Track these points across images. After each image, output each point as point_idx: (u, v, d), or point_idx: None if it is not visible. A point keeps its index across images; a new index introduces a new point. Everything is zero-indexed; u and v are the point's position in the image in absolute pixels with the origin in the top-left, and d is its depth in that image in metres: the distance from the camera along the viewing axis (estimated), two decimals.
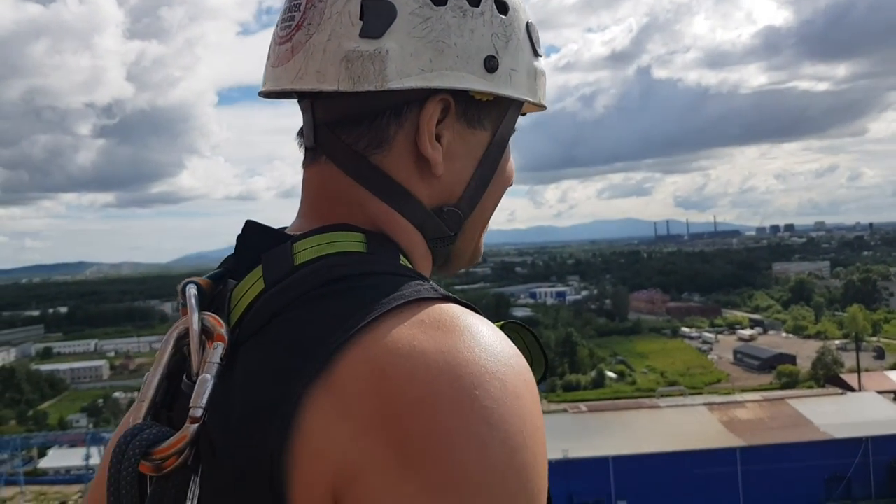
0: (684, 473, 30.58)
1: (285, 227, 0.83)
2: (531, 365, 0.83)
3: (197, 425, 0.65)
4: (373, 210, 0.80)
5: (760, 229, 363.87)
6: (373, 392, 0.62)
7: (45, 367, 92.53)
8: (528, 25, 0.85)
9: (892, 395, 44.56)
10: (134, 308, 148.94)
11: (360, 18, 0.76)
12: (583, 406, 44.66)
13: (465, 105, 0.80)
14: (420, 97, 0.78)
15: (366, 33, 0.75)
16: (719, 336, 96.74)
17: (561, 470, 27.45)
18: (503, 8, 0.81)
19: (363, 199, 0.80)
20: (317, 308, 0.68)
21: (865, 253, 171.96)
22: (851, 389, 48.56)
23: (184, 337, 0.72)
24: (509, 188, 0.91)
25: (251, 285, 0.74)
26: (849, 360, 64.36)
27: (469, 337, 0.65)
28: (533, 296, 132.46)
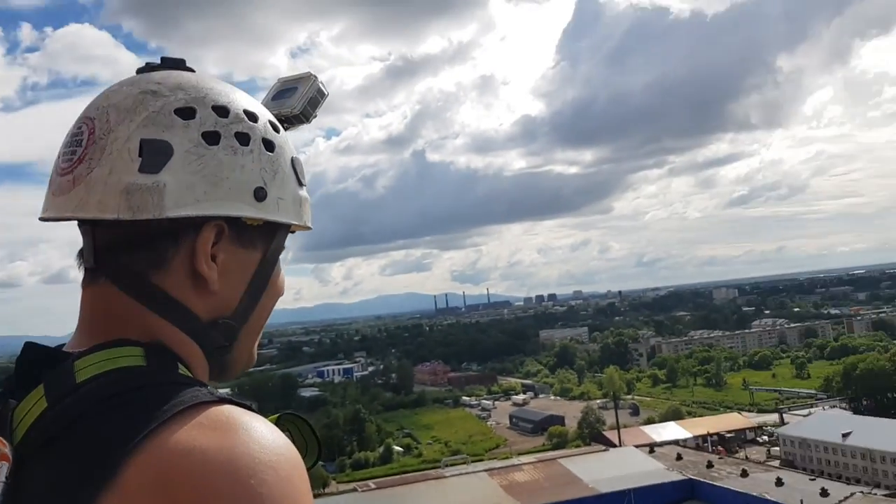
0: None
1: (63, 345, 0.88)
2: (306, 451, 0.94)
3: None
4: (152, 325, 0.85)
5: (528, 299, 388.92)
6: (160, 493, 0.67)
7: None
8: (292, 160, 0.95)
9: (647, 448, 49.52)
10: None
11: (139, 155, 0.82)
12: (371, 483, 44.62)
13: (238, 229, 0.88)
14: (196, 223, 0.85)
15: (144, 169, 0.82)
16: (496, 402, 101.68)
17: None
18: (270, 146, 0.91)
19: (142, 314, 0.85)
20: (101, 421, 0.72)
21: (617, 318, 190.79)
22: (613, 445, 53.28)
23: None
24: (281, 297, 1.00)
25: (33, 404, 0.76)
26: (609, 417, 70.42)
27: (244, 433, 0.72)
28: (321, 374, 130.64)
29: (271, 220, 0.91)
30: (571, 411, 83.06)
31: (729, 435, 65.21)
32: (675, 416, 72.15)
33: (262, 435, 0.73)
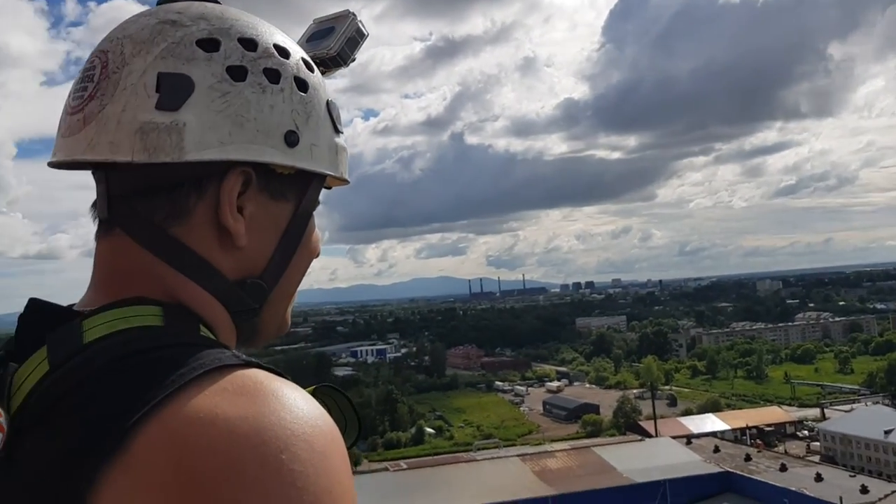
0: None
1: (73, 305, 0.79)
2: (346, 428, 0.84)
3: None
4: (172, 282, 0.77)
5: (564, 286, 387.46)
6: (173, 465, 0.58)
7: None
8: (328, 103, 0.87)
9: (684, 440, 48.54)
10: None
11: (157, 91, 0.75)
12: (403, 463, 44.44)
13: (267, 178, 0.80)
14: (220, 169, 0.77)
15: (162, 105, 0.74)
16: (530, 388, 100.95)
17: None
18: (303, 86, 0.83)
19: (161, 272, 0.77)
20: (108, 386, 0.65)
21: (657, 307, 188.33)
22: (649, 435, 52.34)
23: None
24: (316, 259, 0.91)
25: (34, 368, 0.69)
26: (645, 407, 69.41)
27: (274, 401, 0.64)
28: (354, 354, 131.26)
29: (304, 168, 0.82)
30: (607, 400, 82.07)
31: (768, 429, 63.83)
32: (713, 408, 70.66)
33: (295, 403, 0.64)
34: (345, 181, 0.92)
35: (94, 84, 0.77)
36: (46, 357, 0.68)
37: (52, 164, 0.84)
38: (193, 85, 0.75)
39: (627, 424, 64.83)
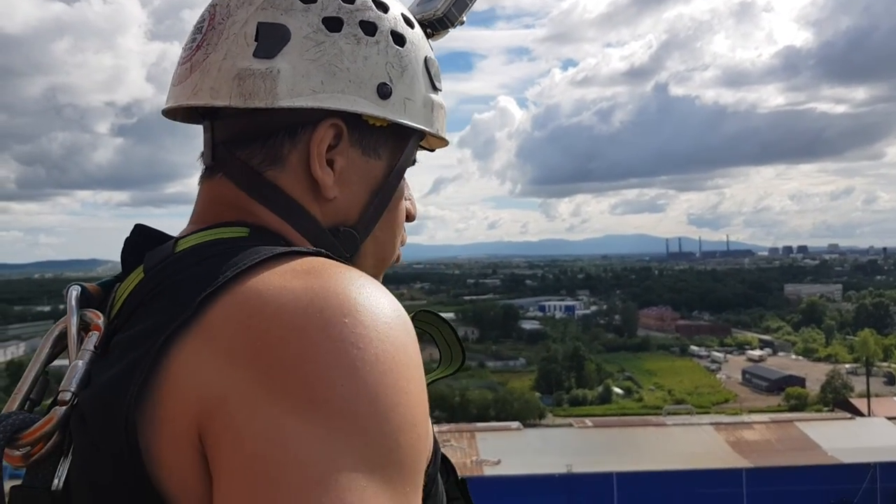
0: (689, 493, 30.32)
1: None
2: (451, 358, 0.88)
3: (65, 407, 0.66)
4: (265, 220, 0.81)
5: (773, 250, 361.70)
6: (243, 328, 0.63)
7: (55, 363, 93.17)
8: (426, 60, 0.88)
9: None
10: None
11: (255, 39, 0.79)
12: (588, 421, 44.42)
13: (360, 132, 0.83)
14: (313, 119, 0.80)
15: (259, 53, 0.78)
16: (728, 356, 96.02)
17: (564, 484, 27.28)
18: (400, 40, 0.84)
19: (256, 210, 0.81)
20: (191, 276, 0.70)
21: (878, 277, 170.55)
22: (861, 414, 48.06)
23: (64, 335, 0.74)
24: (409, 223, 0.93)
25: (132, 280, 0.77)
26: (859, 384, 63.80)
27: (342, 277, 0.67)
28: (542, 309, 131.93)
29: (396, 120, 0.83)
30: (814, 373, 76.13)
31: None
32: None
33: (361, 282, 0.67)
34: (443, 140, 0.93)
35: (201, 35, 0.83)
36: (142, 268, 0.76)
37: (165, 113, 0.89)
38: (290, 34, 0.79)
39: (836, 401, 59.80)
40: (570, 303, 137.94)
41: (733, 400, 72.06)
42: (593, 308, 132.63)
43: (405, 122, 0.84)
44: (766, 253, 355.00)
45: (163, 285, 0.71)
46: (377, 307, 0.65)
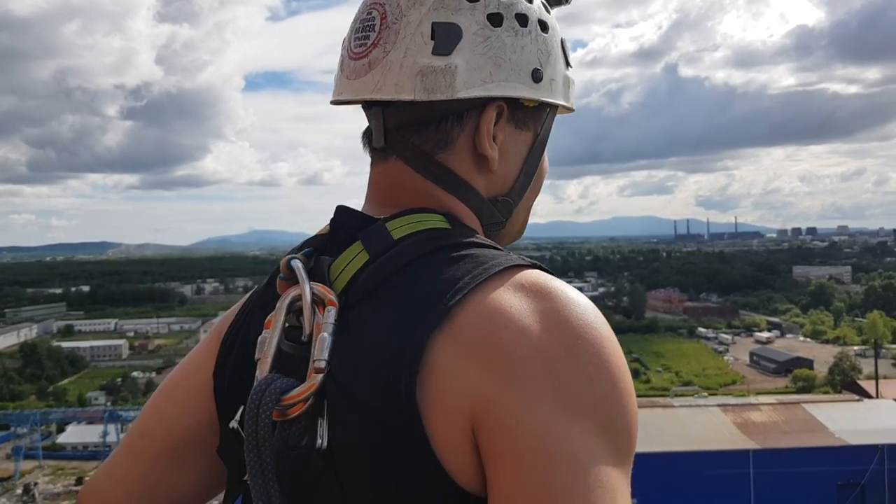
0: (696, 474, 30.49)
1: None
2: None
3: (322, 375, 0.76)
4: (440, 198, 0.91)
5: (782, 232, 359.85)
6: (494, 338, 0.73)
7: (66, 344, 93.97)
8: (562, 41, 0.99)
9: None
10: (154, 289, 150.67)
11: (432, 38, 0.87)
12: None
13: (515, 110, 0.93)
14: (479, 104, 0.90)
15: (437, 51, 0.87)
16: (736, 338, 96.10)
17: None
18: (545, 27, 0.94)
19: (430, 189, 0.92)
20: (426, 273, 0.79)
21: (888, 259, 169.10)
22: (869, 396, 48.03)
23: (292, 304, 0.82)
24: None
25: (352, 258, 0.84)
26: (867, 366, 63.70)
27: (563, 297, 0.77)
28: None
29: (546, 100, 0.94)
30: (822, 356, 75.96)
31: None
32: None
33: (579, 300, 0.78)
34: (571, 110, 1.05)
35: (375, 33, 0.90)
36: (364, 250, 0.83)
37: (336, 102, 0.97)
38: (461, 32, 0.87)
39: (844, 383, 59.63)
40: (577, 284, 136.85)
41: (740, 382, 72.14)
42: (601, 290, 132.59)
43: (553, 100, 0.95)
44: (774, 235, 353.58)
45: (399, 276, 0.80)
46: (598, 323, 0.76)
